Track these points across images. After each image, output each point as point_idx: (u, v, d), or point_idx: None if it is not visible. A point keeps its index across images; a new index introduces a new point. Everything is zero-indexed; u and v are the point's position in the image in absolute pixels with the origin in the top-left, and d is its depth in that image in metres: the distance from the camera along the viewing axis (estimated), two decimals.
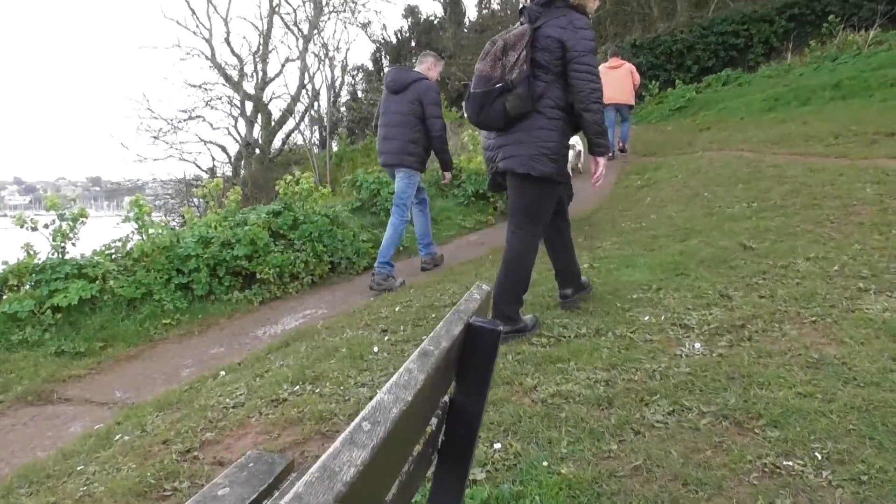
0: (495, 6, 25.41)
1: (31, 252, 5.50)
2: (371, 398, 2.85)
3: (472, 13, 26.17)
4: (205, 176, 21.17)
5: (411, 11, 25.69)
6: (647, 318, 3.49)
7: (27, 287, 5.23)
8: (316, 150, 19.78)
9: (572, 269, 3.77)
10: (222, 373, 3.94)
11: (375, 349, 3.64)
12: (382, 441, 0.75)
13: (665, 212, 6.50)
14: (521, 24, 3.28)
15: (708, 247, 4.75)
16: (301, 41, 20.01)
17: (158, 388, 4.04)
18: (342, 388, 3.16)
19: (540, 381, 2.85)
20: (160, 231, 5.70)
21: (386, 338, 3.82)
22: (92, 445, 3.18)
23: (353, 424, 0.74)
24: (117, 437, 3.18)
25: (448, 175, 6.14)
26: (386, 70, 6.13)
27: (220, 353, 4.53)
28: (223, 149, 20.57)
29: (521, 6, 3.41)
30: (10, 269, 5.26)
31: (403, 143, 5.42)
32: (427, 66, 5.61)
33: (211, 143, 20.34)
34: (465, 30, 23.93)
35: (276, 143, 20.50)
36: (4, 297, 5.21)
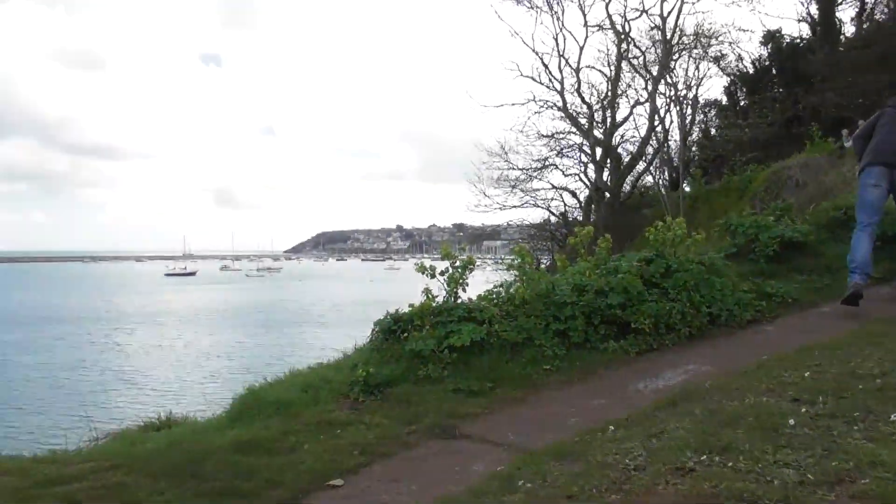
0: (880, 16, 21.84)
1: (430, 296, 6.22)
2: (801, 483, 2.38)
3: (847, 29, 22.91)
4: (554, 220, 22.11)
5: (771, 37, 23.54)
6: None
7: (428, 328, 5.91)
8: (665, 192, 19.20)
9: None
10: (611, 428, 3.84)
11: (791, 422, 3.16)
12: None
13: None
14: None
15: None
16: (650, 83, 19.79)
17: (547, 435, 4.12)
18: (759, 465, 2.78)
19: None
20: (538, 279, 5.96)
21: (802, 409, 3.30)
22: (498, 488, 3.33)
23: None
24: (520, 483, 3.28)
25: None
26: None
27: (602, 405, 4.47)
28: (573, 194, 21.27)
29: None
30: (415, 311, 6.01)
31: None
32: None
33: (562, 188, 21.18)
34: (842, 48, 21.00)
35: (626, 186, 20.48)
36: (410, 335, 5.96)
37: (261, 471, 3.93)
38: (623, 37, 20.09)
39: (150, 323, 38.21)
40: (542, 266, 14.83)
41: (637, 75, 20.60)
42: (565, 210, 21.51)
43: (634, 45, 20.29)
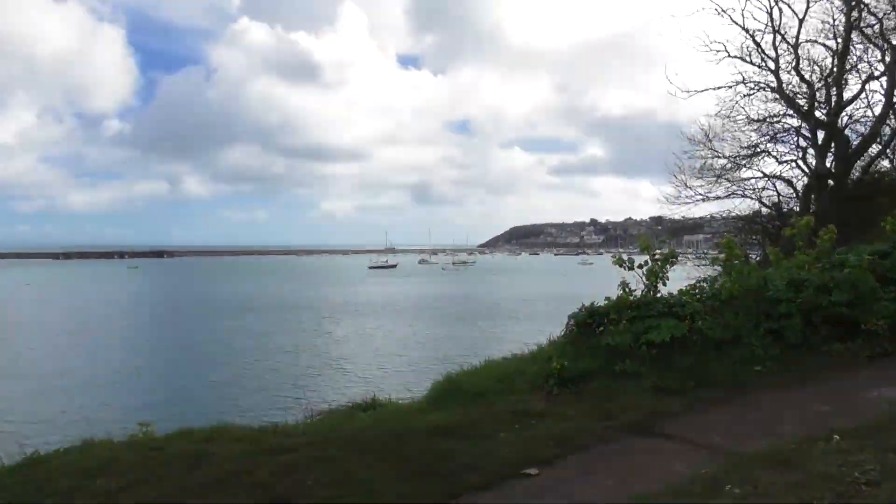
0: None
1: (627, 289, 6.01)
2: None
3: None
4: (765, 211, 20.17)
5: None
6: None
7: (625, 322, 5.71)
8: None
9: None
10: (836, 437, 3.45)
11: None
12: None
13: None
14: None
15: None
16: (888, 54, 17.27)
17: (757, 440, 3.80)
18: None
19: None
20: (748, 273, 5.51)
21: None
22: (702, 490, 3.15)
23: None
24: (728, 488, 3.06)
25: None
26: None
27: (825, 412, 4.02)
28: (789, 182, 19.19)
29: None
30: (611, 305, 5.84)
31: None
32: None
33: (775, 177, 19.24)
34: None
35: (854, 172, 18.12)
36: (606, 329, 5.80)
37: (457, 455, 4.07)
38: (854, 3, 17.75)
39: (355, 313, 41.37)
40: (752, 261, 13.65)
41: (871, 46, 18.04)
42: (779, 200, 19.46)
43: (868, 11, 17.77)
